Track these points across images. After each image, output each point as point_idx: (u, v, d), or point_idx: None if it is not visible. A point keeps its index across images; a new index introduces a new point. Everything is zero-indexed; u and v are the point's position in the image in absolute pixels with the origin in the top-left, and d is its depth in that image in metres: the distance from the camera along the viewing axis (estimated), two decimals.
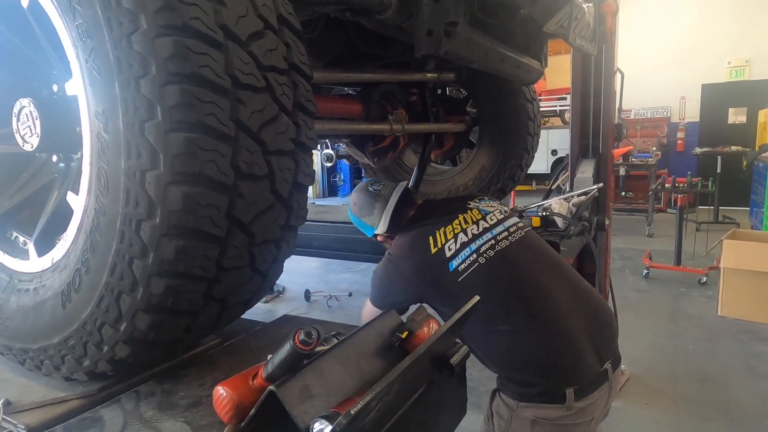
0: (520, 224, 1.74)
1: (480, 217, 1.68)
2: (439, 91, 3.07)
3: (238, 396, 0.91)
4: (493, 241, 1.61)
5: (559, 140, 9.94)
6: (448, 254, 1.57)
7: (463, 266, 1.54)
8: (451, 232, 1.61)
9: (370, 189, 1.86)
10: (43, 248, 1.22)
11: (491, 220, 1.68)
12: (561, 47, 8.19)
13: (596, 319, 1.58)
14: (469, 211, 1.69)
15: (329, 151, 4.18)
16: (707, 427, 2.90)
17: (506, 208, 1.81)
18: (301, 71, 1.10)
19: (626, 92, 3.58)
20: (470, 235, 1.61)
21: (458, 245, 1.58)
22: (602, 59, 2.97)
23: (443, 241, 1.59)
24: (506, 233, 1.65)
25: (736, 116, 10.23)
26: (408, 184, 1.95)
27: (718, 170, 8.48)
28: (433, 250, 1.58)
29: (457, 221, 1.65)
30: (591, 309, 1.59)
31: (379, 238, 1.87)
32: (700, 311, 4.65)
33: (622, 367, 3.40)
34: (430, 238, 1.60)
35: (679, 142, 10.63)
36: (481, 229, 1.64)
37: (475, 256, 1.56)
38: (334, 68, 2.12)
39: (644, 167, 8.74)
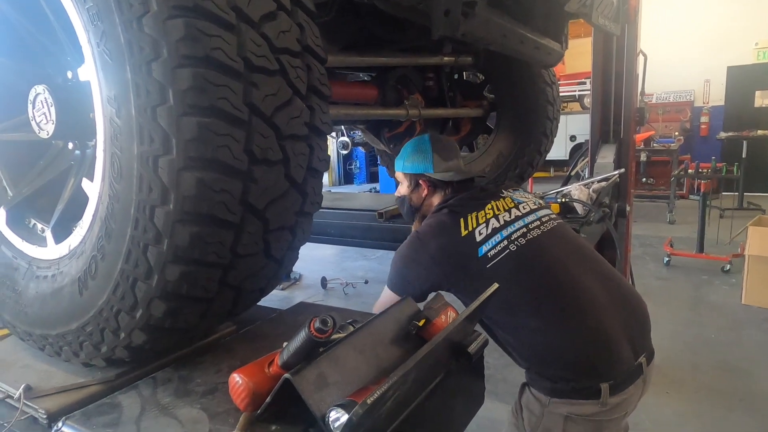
0: (553, 215, 1.70)
1: (513, 205, 1.64)
2: (456, 76, 3.02)
3: (254, 383, 0.90)
4: (524, 229, 1.57)
5: (578, 126, 9.78)
6: (479, 238, 1.53)
7: (492, 252, 1.50)
8: (483, 217, 1.57)
9: (451, 146, 1.81)
10: (60, 235, 1.22)
11: (524, 209, 1.64)
12: (580, 30, 8.01)
13: (632, 312, 1.54)
14: (501, 199, 1.65)
15: (345, 138, 4.16)
16: (730, 417, 2.85)
17: (539, 200, 1.78)
18: (315, 54, 1.08)
19: (648, 76, 3.49)
20: (502, 222, 1.57)
21: (489, 230, 1.54)
22: (624, 41, 2.88)
23: (474, 225, 1.55)
24: (538, 222, 1.62)
25: (762, 99, 9.91)
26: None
27: (744, 155, 8.24)
28: (464, 233, 1.53)
29: (489, 206, 1.61)
30: (626, 301, 1.55)
31: (418, 191, 1.81)
32: (723, 299, 4.55)
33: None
34: (461, 220, 1.56)
35: (703, 126, 10.36)
36: (513, 217, 1.60)
37: (506, 242, 1.52)
38: (349, 52, 2.09)
39: (666, 152, 8.56)
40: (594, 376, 1.40)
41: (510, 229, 1.55)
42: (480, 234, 1.53)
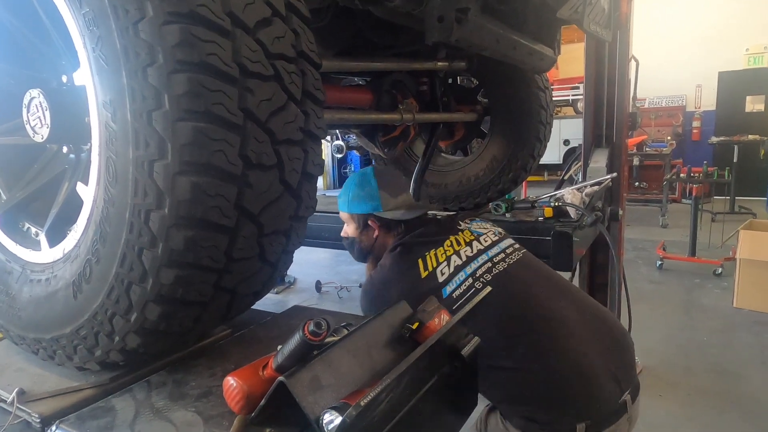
0: (516, 245, 1.60)
1: (473, 238, 1.54)
2: (450, 80, 3.03)
3: (248, 387, 0.91)
4: (489, 264, 1.47)
5: (571, 130, 9.84)
6: (441, 279, 1.42)
7: (458, 292, 1.40)
8: (443, 255, 1.47)
9: (398, 179, 1.68)
10: (54, 239, 1.22)
11: (485, 241, 1.54)
12: (573, 36, 8.07)
13: (613, 344, 1.43)
14: (460, 233, 1.55)
15: (339, 142, 4.16)
16: (722, 419, 2.87)
17: (499, 230, 1.68)
18: (309, 59, 1.09)
19: (641, 81, 3.52)
20: (464, 258, 1.46)
21: (452, 269, 1.44)
22: (617, 46, 2.91)
23: (434, 264, 1.45)
24: (503, 255, 1.52)
25: (753, 104, 10.01)
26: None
27: (735, 159, 8.32)
28: (424, 274, 1.43)
29: (448, 242, 1.50)
30: (607, 333, 1.45)
31: (368, 232, 1.66)
32: (715, 303, 4.59)
33: (636, 359, 3.39)
34: (420, 260, 1.46)
35: (695, 131, 10.46)
36: (475, 251, 1.49)
37: (471, 280, 1.42)
38: (344, 57, 2.10)
39: (658, 157, 8.62)
40: (570, 415, 1.30)
41: (474, 265, 1.45)
42: (442, 274, 1.43)
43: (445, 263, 1.45)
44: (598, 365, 1.35)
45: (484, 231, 1.60)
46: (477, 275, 1.43)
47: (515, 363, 1.34)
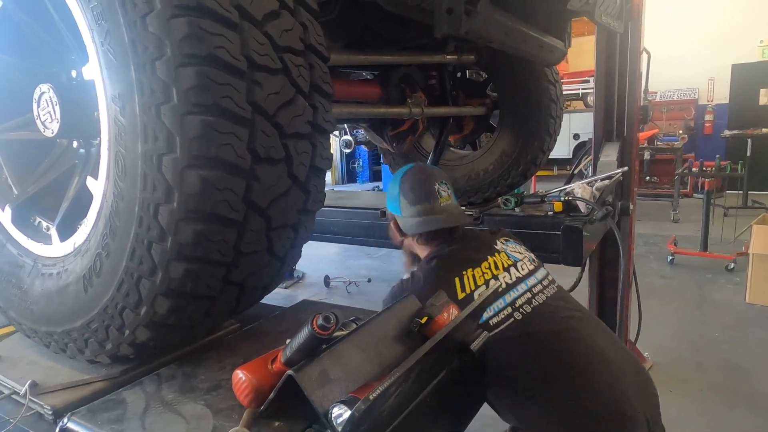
0: (551, 277, 1.57)
1: (510, 263, 1.50)
2: (459, 74, 3.01)
3: (257, 380, 0.91)
4: (529, 295, 1.43)
5: (581, 124, 9.75)
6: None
7: (495, 320, 1.35)
8: (481, 277, 1.42)
9: (436, 185, 1.58)
10: (65, 233, 1.23)
11: (522, 269, 1.50)
12: (584, 28, 7.97)
13: (645, 387, 1.39)
14: (497, 254, 1.50)
15: (348, 137, 4.16)
16: (733, 416, 2.84)
17: (533, 255, 1.63)
18: (317, 52, 1.08)
19: (652, 74, 3.47)
20: (504, 285, 1.42)
21: (490, 294, 1.38)
22: (628, 39, 2.87)
23: (472, 287, 1.40)
24: (541, 286, 1.48)
25: (767, 97, 9.87)
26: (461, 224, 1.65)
27: (748, 153, 8.22)
28: (460, 296, 1.38)
29: (486, 264, 1.45)
30: (638, 374, 1.40)
31: (393, 229, 1.64)
32: (727, 298, 4.53)
33: (646, 354, 3.37)
34: (457, 280, 1.40)
35: (707, 124, 10.32)
36: (514, 279, 1.45)
37: (510, 309, 1.38)
38: (352, 50, 2.09)
39: (670, 151, 8.51)
40: None
41: (513, 294, 1.41)
42: (480, 298, 1.35)
43: (483, 286, 1.41)
44: (634, 406, 1.30)
45: (520, 257, 1.56)
46: (516, 305, 1.40)
47: (552, 400, 1.31)
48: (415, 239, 1.61)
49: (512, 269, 1.48)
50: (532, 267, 1.53)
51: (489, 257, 1.48)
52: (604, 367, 1.33)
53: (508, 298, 1.40)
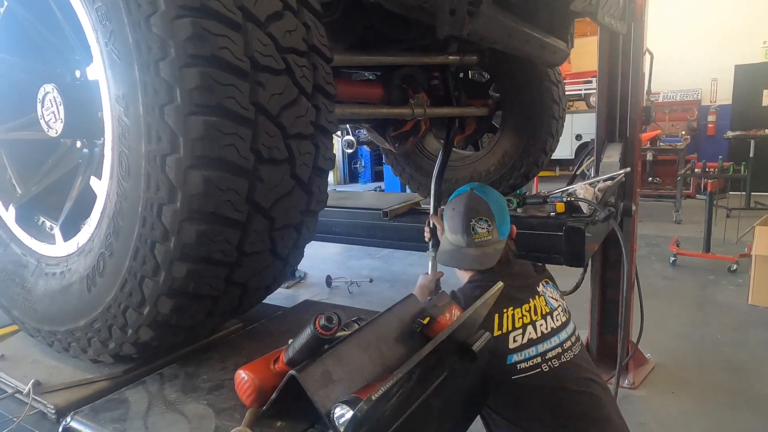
0: (577, 333, 1.62)
1: (548, 311, 1.55)
2: (462, 75, 3.01)
3: (259, 380, 0.91)
4: (560, 349, 1.50)
5: (583, 125, 9.74)
6: (512, 345, 1.45)
7: (523, 365, 1.43)
8: (520, 320, 1.48)
9: (472, 222, 1.59)
10: (68, 233, 1.24)
11: (557, 320, 1.55)
12: (586, 29, 7.97)
13: None
14: (538, 297, 1.56)
15: (350, 137, 4.17)
16: (735, 417, 2.84)
17: (565, 304, 1.67)
18: (321, 53, 1.08)
19: (655, 74, 3.47)
20: (539, 333, 1.48)
21: (525, 340, 1.46)
22: (631, 39, 2.87)
23: (509, 327, 1.46)
24: (570, 343, 1.54)
25: None
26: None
27: (751, 154, 8.19)
28: (497, 333, 1.44)
29: (527, 306, 1.51)
30: None
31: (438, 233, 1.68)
32: (729, 300, 4.53)
33: (648, 355, 3.36)
34: (497, 316, 1.46)
35: (710, 125, 10.30)
36: (549, 329, 1.51)
37: (539, 360, 1.44)
38: (355, 51, 2.09)
39: (672, 152, 8.51)
40: None
41: (546, 345, 1.47)
42: (514, 341, 1.44)
43: (520, 330, 1.47)
44: None
45: (556, 305, 1.60)
46: (546, 357, 1.46)
47: None
48: None
49: (548, 318, 1.53)
50: (564, 319, 1.58)
51: (531, 300, 1.54)
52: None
53: (541, 348, 1.46)
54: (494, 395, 1.40)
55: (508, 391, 1.30)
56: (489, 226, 1.60)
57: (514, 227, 1.73)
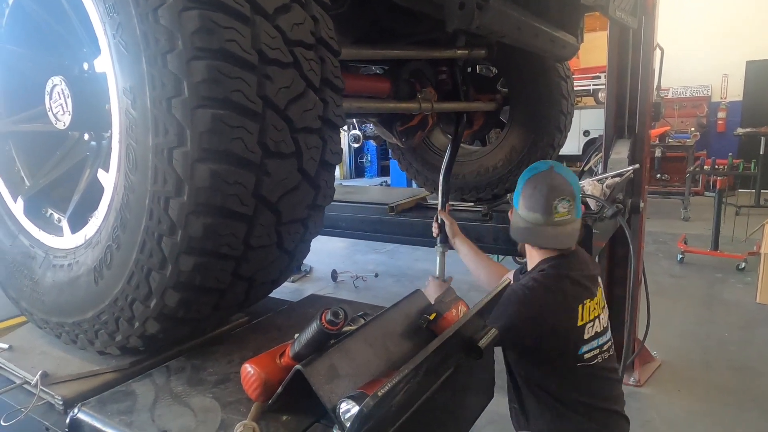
0: (611, 342, 1.67)
1: (604, 304, 1.63)
2: (469, 69, 2.99)
3: (265, 374, 0.91)
4: (609, 343, 1.59)
5: (591, 120, 9.65)
6: (586, 337, 1.51)
7: (588, 356, 1.51)
8: (592, 312, 1.54)
9: (555, 202, 1.52)
10: (76, 225, 1.24)
11: (603, 323, 1.59)
12: (596, 24, 7.89)
13: None
14: (599, 290, 1.62)
15: (356, 131, 4.16)
16: (742, 417, 2.82)
17: (606, 310, 1.69)
18: (328, 46, 1.07)
19: (665, 70, 3.43)
20: (601, 327, 1.57)
21: (593, 332, 1.53)
22: (641, 34, 2.84)
23: (587, 319, 1.51)
24: (610, 343, 1.62)
25: None
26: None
27: (761, 152, 8.11)
28: (579, 323, 1.50)
29: (596, 300, 1.57)
30: None
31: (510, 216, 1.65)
32: (737, 298, 4.49)
33: (654, 352, 3.35)
34: (580, 307, 1.50)
35: (720, 122, 10.19)
36: (601, 328, 1.58)
37: (597, 352, 1.53)
38: (362, 45, 2.08)
39: (681, 148, 8.44)
40: None
41: (603, 339, 1.56)
42: (588, 332, 1.51)
43: (591, 323, 1.53)
44: None
45: (602, 309, 1.63)
46: (603, 350, 1.56)
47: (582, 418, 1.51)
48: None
49: (600, 318, 1.58)
50: (605, 325, 1.63)
51: (597, 291, 1.60)
52: None
53: (599, 341, 1.55)
54: (550, 375, 1.50)
55: (567, 374, 1.40)
56: (570, 205, 1.55)
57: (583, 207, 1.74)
